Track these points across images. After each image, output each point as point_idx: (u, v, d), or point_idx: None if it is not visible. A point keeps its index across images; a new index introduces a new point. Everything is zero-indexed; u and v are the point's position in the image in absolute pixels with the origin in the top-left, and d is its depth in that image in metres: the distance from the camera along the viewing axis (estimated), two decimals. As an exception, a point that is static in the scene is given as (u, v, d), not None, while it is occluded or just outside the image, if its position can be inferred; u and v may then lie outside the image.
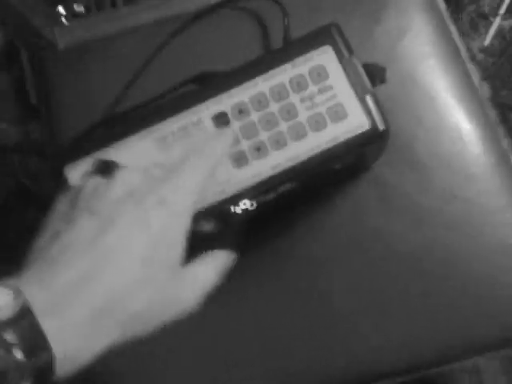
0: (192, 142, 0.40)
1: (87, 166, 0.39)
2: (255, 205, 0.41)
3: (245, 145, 0.40)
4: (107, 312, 0.32)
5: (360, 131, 0.40)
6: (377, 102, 0.41)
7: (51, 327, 0.30)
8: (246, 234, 0.44)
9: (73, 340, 0.31)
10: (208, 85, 0.42)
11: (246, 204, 0.41)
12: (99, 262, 0.33)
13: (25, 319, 0.30)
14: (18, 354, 0.29)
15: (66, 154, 0.42)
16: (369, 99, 0.41)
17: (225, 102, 0.41)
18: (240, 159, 0.40)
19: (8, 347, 0.29)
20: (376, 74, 0.42)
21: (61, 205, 0.37)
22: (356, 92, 0.40)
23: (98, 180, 0.37)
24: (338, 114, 0.40)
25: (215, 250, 0.38)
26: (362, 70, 0.41)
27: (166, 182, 0.36)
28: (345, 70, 0.41)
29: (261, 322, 0.50)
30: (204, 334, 0.50)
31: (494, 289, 0.49)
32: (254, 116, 0.41)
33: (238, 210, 0.41)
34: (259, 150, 0.40)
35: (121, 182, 0.36)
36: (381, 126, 0.41)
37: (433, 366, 0.51)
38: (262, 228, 0.50)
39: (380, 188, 0.51)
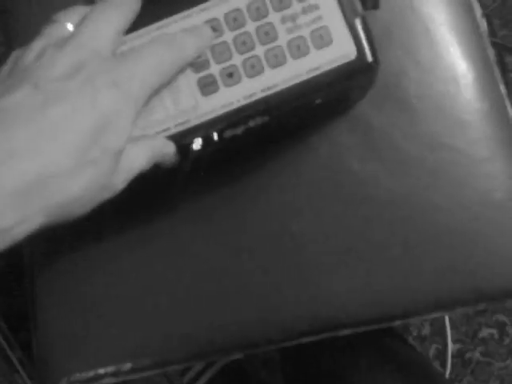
0: None
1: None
2: (220, 139, 0.37)
3: (215, 69, 0.35)
4: (40, 191, 0.30)
5: (345, 61, 0.35)
6: (367, 29, 0.36)
7: None
8: (209, 171, 0.40)
9: (7, 209, 0.29)
10: None
11: (211, 137, 0.36)
12: (40, 134, 0.30)
13: None
14: None
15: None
16: (358, 24, 0.35)
17: (195, 17, 0.35)
18: (209, 85, 0.35)
19: None
20: (368, -3, 0.36)
21: (4, 67, 0.32)
22: (345, 15, 0.35)
23: (44, 42, 0.32)
24: (323, 39, 0.35)
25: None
26: (353, -10, 0.36)
27: (122, 65, 0.32)
28: None
29: (227, 264, 0.47)
30: (169, 276, 0.47)
31: (472, 241, 0.46)
32: (228, 36, 0.35)
33: (201, 144, 0.36)
34: (231, 75, 0.35)
35: (70, 55, 0.31)
36: (369, 57, 0.36)
37: (399, 318, 0.48)
38: (228, 166, 0.46)
39: (362, 130, 0.47)
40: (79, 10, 0.34)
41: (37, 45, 0.32)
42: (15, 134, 0.29)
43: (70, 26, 0.33)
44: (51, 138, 0.30)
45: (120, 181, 0.33)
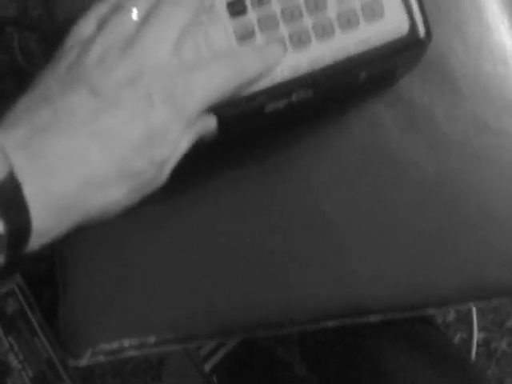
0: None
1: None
2: (261, 112, 0.35)
3: (260, 40, 0.34)
4: (83, 197, 0.30)
5: (397, 35, 0.34)
6: (421, 3, 0.34)
7: (34, 196, 0.28)
8: (246, 143, 0.39)
9: (50, 214, 0.29)
10: None
11: (252, 110, 0.35)
12: (89, 142, 0.30)
13: (8, 186, 0.27)
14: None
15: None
16: None
17: None
18: None
19: None
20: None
21: (58, 66, 0.32)
22: None
23: (108, 39, 0.32)
24: (375, 11, 0.33)
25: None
26: (408, -40, 0.34)
27: (183, 77, 0.31)
28: None
29: (254, 242, 0.45)
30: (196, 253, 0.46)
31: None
32: (276, 6, 0.34)
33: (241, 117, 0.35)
34: None
35: (132, 62, 0.31)
36: (422, 33, 0.34)
37: (432, 307, 0.46)
38: (263, 140, 0.45)
39: (403, 108, 0.45)
40: None
41: (100, 41, 0.31)
42: (66, 139, 0.30)
43: (135, 14, 0.32)
44: (100, 147, 0.30)
45: (163, 176, 0.33)
